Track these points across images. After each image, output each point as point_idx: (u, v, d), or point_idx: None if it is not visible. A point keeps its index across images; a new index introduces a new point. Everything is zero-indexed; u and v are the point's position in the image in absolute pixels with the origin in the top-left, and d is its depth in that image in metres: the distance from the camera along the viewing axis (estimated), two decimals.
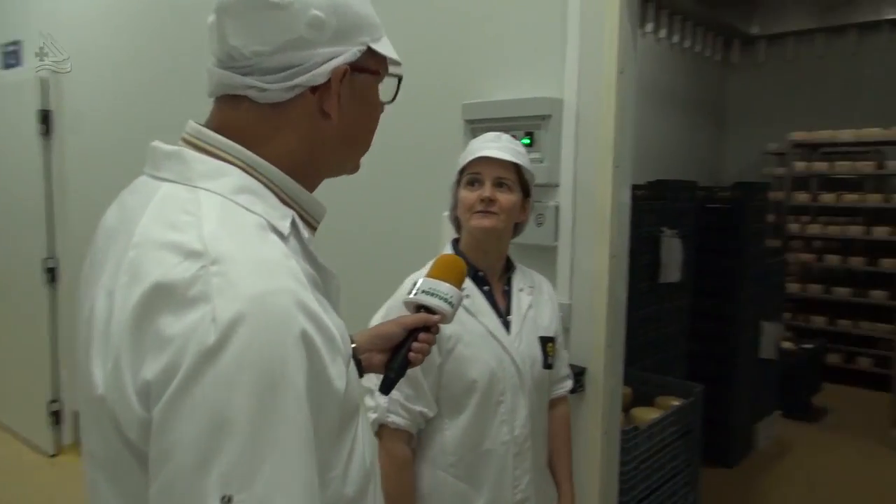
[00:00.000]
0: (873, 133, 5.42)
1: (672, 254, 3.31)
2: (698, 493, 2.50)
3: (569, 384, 1.67)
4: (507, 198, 1.47)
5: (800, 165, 5.85)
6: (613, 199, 1.73)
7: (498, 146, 1.48)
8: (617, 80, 1.70)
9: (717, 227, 3.84)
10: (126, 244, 0.69)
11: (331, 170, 0.85)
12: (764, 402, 4.21)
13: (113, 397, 0.65)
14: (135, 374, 0.63)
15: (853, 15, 6.80)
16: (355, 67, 0.79)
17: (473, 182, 1.49)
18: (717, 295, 3.85)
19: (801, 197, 5.86)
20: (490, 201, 1.45)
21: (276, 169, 0.76)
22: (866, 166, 5.54)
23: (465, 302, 1.39)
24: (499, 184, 1.47)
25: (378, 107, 0.86)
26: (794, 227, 5.82)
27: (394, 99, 0.86)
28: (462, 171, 1.52)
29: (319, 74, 0.75)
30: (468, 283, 1.44)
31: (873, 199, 5.46)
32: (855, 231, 5.47)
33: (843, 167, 5.65)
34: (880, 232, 5.32)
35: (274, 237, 0.71)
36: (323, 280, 0.76)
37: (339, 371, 0.69)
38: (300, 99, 0.76)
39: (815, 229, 5.71)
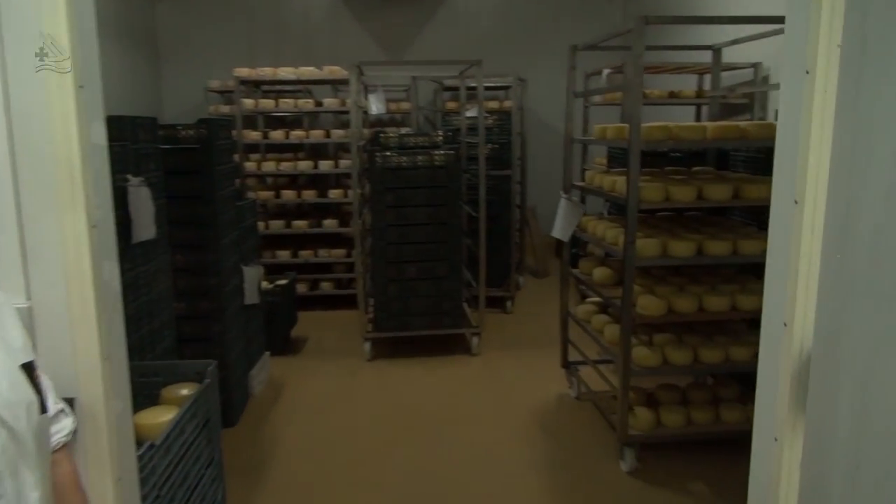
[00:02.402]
0: (309, 72, 5.73)
1: (142, 206, 2.74)
2: (224, 484, 2.16)
3: (67, 424, 1.09)
4: None
5: (248, 103, 5.80)
6: (82, 138, 1.13)
7: None
8: None
9: (184, 171, 3.40)
10: None
11: None
12: (254, 348, 4.10)
13: None
14: None
15: None
16: None
17: None
18: (196, 247, 3.45)
19: (253, 135, 5.85)
20: None
21: None
22: (307, 104, 5.86)
23: None
24: None
25: None
26: (250, 166, 5.80)
27: None
28: None
29: None
30: None
31: (316, 135, 5.84)
32: (305, 166, 5.77)
33: (286, 104, 5.84)
34: (326, 166, 5.74)
35: None
36: None
37: None
38: None
39: (269, 167, 5.80)
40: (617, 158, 4.56)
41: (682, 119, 5.21)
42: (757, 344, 3.14)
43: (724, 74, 5.49)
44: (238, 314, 3.77)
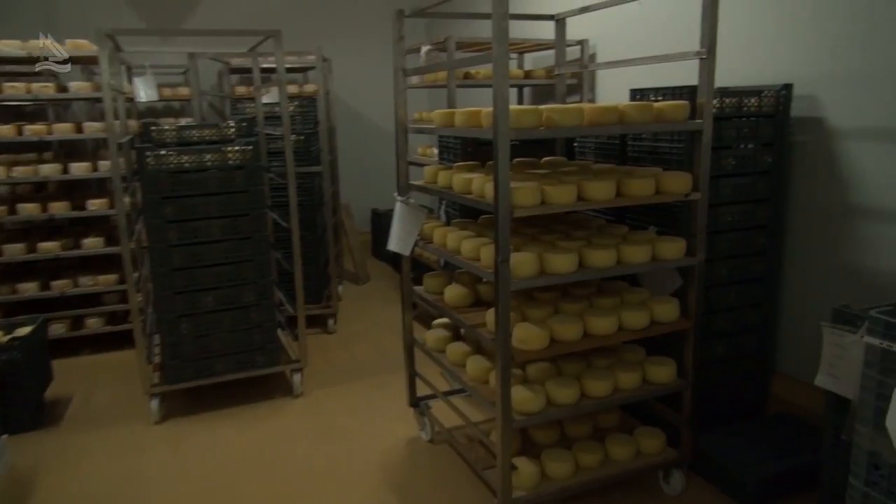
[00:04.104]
0: (46, 46, 4.36)
1: None
2: None
3: None
4: None
5: None
6: None
7: None
8: None
9: None
10: None
11: None
12: None
13: None
14: None
15: None
16: None
17: None
18: None
19: None
20: None
21: None
22: (45, 89, 4.48)
23: None
24: None
25: None
26: None
27: None
28: None
29: None
30: None
31: (63, 130, 4.49)
32: (50, 170, 4.41)
33: (16, 90, 4.41)
34: (81, 169, 4.44)
35: None
36: None
37: None
38: None
39: None
40: (451, 149, 3.94)
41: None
42: (643, 366, 2.68)
43: (546, 53, 5.12)
44: None
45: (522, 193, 2.19)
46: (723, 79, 3.21)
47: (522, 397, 2.37)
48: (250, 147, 3.54)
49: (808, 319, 3.03)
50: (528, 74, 4.57)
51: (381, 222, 6.72)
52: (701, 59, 2.37)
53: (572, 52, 4.48)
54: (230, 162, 3.51)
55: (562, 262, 2.29)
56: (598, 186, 2.28)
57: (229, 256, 3.55)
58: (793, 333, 3.12)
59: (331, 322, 4.85)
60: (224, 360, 3.62)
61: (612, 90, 4.39)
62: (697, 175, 2.44)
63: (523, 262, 2.25)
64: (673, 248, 2.46)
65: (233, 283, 3.58)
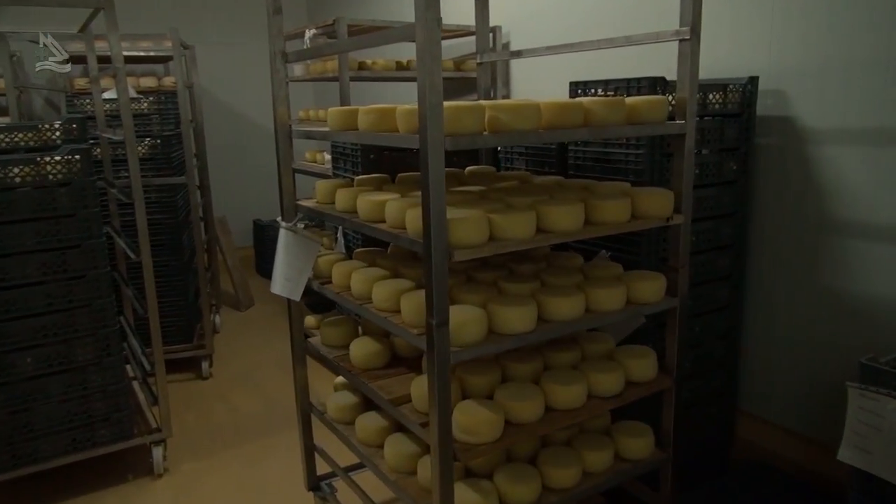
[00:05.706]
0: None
1: None
2: None
3: None
4: None
5: None
6: None
7: None
8: None
9: None
10: None
11: None
12: None
13: None
14: None
15: None
16: None
17: None
18: None
19: None
20: None
21: None
22: None
23: None
24: None
25: None
26: None
27: None
28: None
29: None
30: None
31: None
32: None
33: None
34: None
35: None
36: None
37: None
38: None
39: None
40: (347, 157, 3.22)
41: (402, 100, 4.05)
42: (613, 437, 1.49)
43: (449, 42, 4.50)
44: None
45: (464, 228, 1.53)
46: (664, 70, 2.71)
47: (469, 502, 1.72)
48: (77, 157, 2.65)
49: (776, 350, 2.59)
50: None
51: (265, 235, 5.87)
52: (682, 41, 1.81)
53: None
54: (50, 177, 2.62)
55: (517, 318, 1.66)
56: (562, 213, 1.67)
57: (54, 303, 2.66)
58: (758, 367, 2.68)
59: (205, 365, 3.99)
60: (52, 439, 2.72)
61: (529, 86, 3.84)
62: (679, 192, 1.89)
63: (467, 323, 1.59)
64: (651, 288, 1.89)
65: (61, 337, 2.68)
